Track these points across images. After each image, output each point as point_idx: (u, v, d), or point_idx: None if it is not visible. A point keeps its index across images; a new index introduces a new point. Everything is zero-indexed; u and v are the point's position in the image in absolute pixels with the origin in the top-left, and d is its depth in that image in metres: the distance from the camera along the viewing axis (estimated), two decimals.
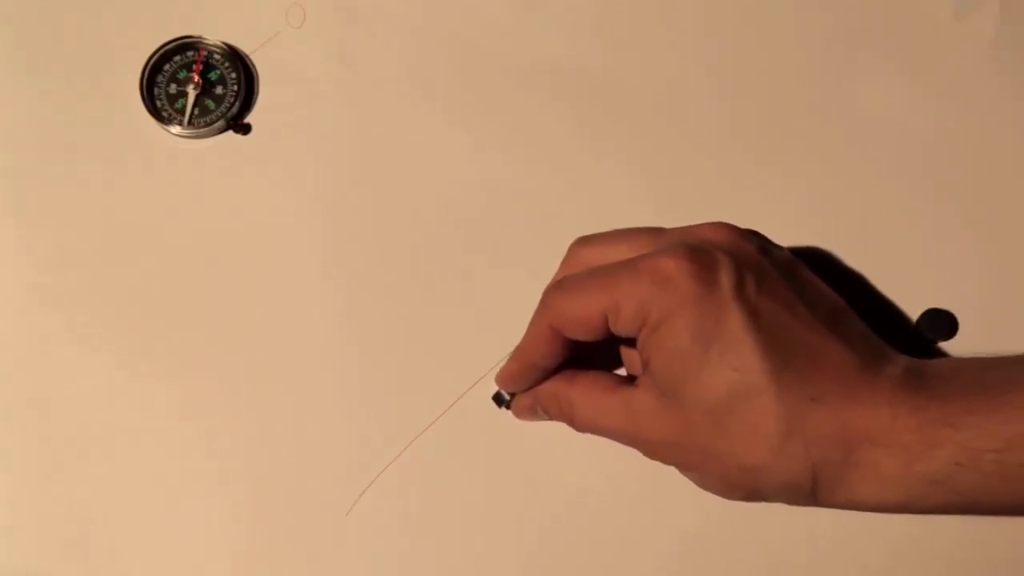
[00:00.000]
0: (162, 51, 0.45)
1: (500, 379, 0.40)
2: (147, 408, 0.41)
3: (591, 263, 0.37)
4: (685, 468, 0.37)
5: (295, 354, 0.42)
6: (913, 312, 0.43)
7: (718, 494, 0.37)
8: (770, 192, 0.44)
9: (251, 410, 0.41)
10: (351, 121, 0.45)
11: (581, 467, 0.41)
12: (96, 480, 0.41)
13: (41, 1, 0.46)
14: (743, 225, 0.39)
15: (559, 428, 0.39)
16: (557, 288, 0.37)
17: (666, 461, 0.37)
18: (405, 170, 0.44)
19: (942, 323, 0.42)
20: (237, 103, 0.45)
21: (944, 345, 0.42)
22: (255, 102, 0.45)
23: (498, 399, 0.41)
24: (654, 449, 0.37)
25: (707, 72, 0.46)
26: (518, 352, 0.39)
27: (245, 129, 0.45)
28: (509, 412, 0.41)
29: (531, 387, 0.39)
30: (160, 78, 0.45)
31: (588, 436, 0.38)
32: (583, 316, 0.36)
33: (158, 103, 0.45)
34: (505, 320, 0.39)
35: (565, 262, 0.39)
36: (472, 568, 0.40)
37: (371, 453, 0.41)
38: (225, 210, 0.44)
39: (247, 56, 0.46)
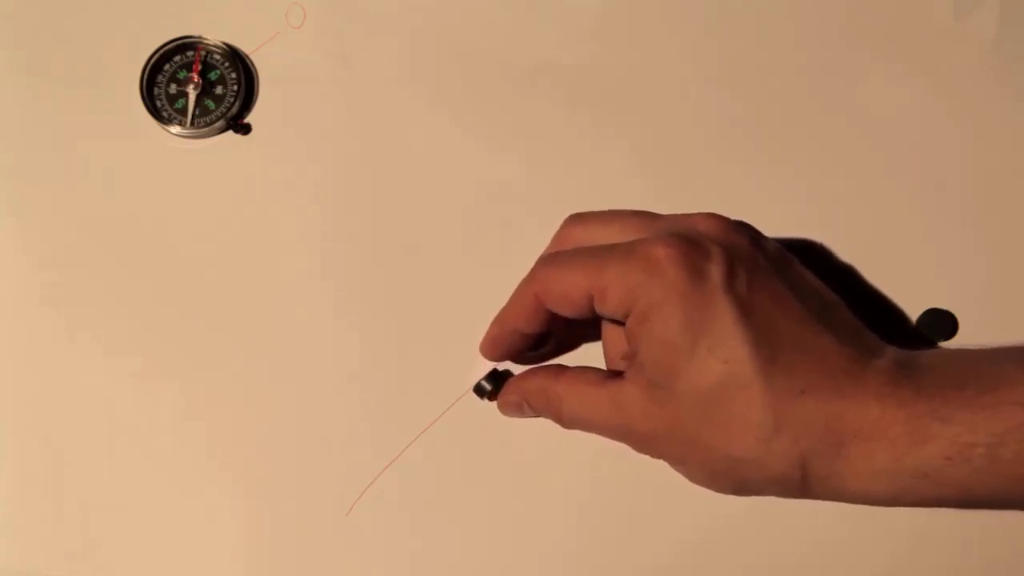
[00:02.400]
0: (162, 51, 0.45)
1: (483, 346, 0.40)
2: (147, 408, 0.41)
3: (582, 242, 0.37)
4: (674, 461, 0.37)
5: (295, 354, 0.42)
6: (913, 312, 0.43)
7: (708, 487, 0.37)
8: (770, 192, 0.44)
9: (251, 410, 0.41)
10: (351, 121, 0.45)
11: (581, 467, 0.41)
12: (96, 480, 0.41)
13: (41, 1, 0.46)
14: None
15: (559, 428, 0.39)
16: (547, 261, 0.37)
17: (655, 455, 0.37)
18: (405, 170, 0.44)
19: (942, 323, 0.42)
20: (237, 103, 0.45)
21: (944, 345, 0.42)
22: (255, 102, 0.45)
23: (479, 390, 0.41)
24: (643, 442, 0.37)
25: (706, 72, 0.46)
26: (501, 316, 0.39)
27: (245, 129, 0.45)
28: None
29: (511, 356, 0.40)
30: (160, 78, 0.45)
31: (589, 436, 0.38)
32: (568, 292, 0.36)
33: (158, 103, 0.45)
34: None
35: (556, 238, 0.39)
36: (472, 568, 0.40)
37: (371, 453, 0.41)
38: (225, 210, 0.44)
39: (247, 56, 0.46)
